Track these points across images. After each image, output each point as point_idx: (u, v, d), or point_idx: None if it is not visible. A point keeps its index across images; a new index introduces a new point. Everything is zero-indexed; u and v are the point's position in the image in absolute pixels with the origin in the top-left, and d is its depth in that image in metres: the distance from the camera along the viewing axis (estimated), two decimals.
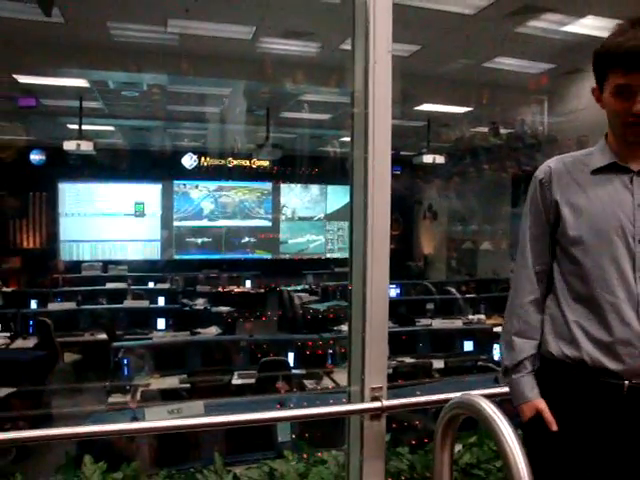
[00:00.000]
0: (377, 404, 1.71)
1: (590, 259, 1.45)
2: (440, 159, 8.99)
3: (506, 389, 1.61)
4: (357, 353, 1.76)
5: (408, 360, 5.57)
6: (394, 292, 8.42)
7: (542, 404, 1.46)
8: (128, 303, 7.79)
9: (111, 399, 4.69)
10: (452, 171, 10.54)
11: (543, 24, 5.96)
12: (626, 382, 1.40)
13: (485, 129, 8.87)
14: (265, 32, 6.36)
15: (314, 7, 5.33)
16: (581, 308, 1.47)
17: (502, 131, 8.65)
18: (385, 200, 1.67)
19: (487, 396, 1.77)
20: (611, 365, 1.40)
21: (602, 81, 1.43)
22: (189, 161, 11.92)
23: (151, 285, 9.44)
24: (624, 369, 1.40)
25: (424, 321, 6.82)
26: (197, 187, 13.13)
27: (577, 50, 6.18)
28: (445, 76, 7.68)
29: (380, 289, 1.69)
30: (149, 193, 12.87)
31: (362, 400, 1.75)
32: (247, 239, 13.44)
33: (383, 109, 1.69)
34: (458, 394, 1.34)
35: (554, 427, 1.42)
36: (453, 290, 8.22)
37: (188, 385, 4.91)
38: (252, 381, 5.03)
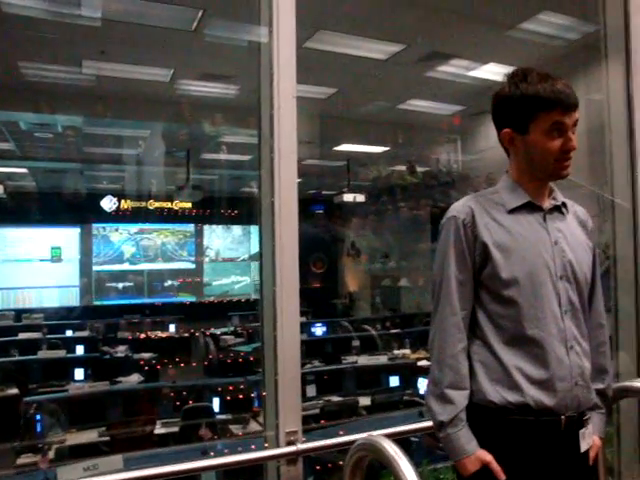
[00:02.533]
0: (292, 448, 1.68)
1: (524, 299, 1.45)
2: (360, 197, 9.20)
3: (420, 425, 1.63)
4: (271, 396, 1.73)
5: (335, 399, 5.53)
6: (320, 331, 8.42)
7: (487, 456, 1.41)
8: (43, 354, 7.36)
9: (20, 460, 4.36)
10: (372, 209, 10.80)
11: (451, 69, 6.32)
12: (562, 417, 1.45)
13: (402, 168, 9.18)
14: (183, 74, 6.38)
15: (231, 50, 5.40)
16: (517, 350, 1.45)
17: (418, 169, 8.98)
18: (293, 243, 1.68)
19: (405, 433, 1.79)
20: (550, 402, 1.43)
21: (526, 123, 1.45)
22: (108, 204, 11.59)
23: (69, 333, 8.98)
24: (560, 404, 1.44)
25: (350, 358, 6.83)
26: (117, 230, 12.75)
27: (483, 93, 6.58)
28: (362, 117, 7.95)
29: (291, 331, 1.69)
30: (66, 237, 12.37)
31: (277, 445, 1.72)
32: (170, 282, 13.12)
33: (289, 152, 1.71)
34: (364, 435, 1.33)
35: (502, 476, 1.39)
36: (369, 328, 8.30)
37: (108, 438, 4.66)
38: (176, 429, 4.85)
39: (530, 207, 1.51)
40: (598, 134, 3.11)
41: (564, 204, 1.58)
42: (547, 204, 1.53)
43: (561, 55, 5.88)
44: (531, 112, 1.44)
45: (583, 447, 1.49)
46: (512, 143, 1.50)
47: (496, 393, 1.44)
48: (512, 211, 1.50)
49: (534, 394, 1.42)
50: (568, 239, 1.54)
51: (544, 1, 4.95)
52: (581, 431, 1.48)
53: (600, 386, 1.58)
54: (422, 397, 5.63)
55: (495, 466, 1.40)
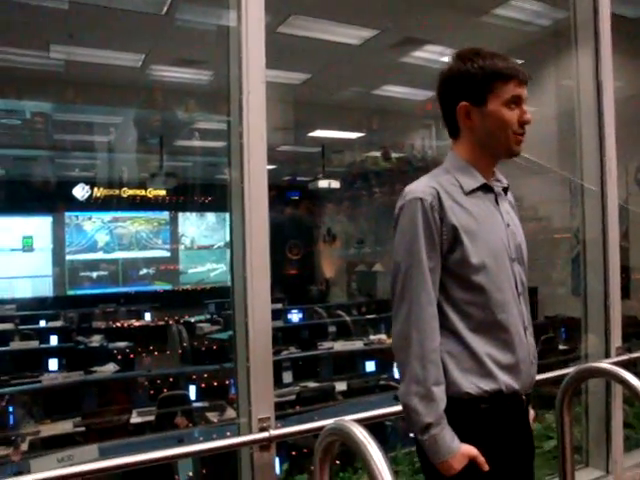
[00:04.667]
0: (265, 434, 1.69)
1: (492, 284, 1.42)
2: (335, 184, 9.22)
3: (392, 409, 1.64)
4: (243, 384, 1.73)
5: (311, 384, 5.56)
6: (296, 317, 8.44)
7: (473, 449, 1.37)
8: (15, 345, 7.25)
9: None
10: (347, 195, 10.82)
11: (425, 54, 6.32)
12: (523, 397, 1.49)
13: (377, 154, 9.20)
14: (155, 60, 6.27)
15: (203, 35, 5.33)
16: (485, 337, 1.42)
17: (393, 155, 9.00)
18: (263, 228, 1.67)
19: (377, 417, 1.80)
20: (517, 385, 1.45)
21: (484, 95, 1.44)
22: (81, 192, 11.41)
23: (42, 324, 8.85)
24: (523, 386, 1.47)
25: (326, 344, 6.86)
26: (90, 219, 12.57)
27: None
28: (336, 103, 7.92)
29: (262, 318, 1.69)
30: (38, 226, 12.16)
31: (250, 431, 1.72)
32: (145, 271, 13.00)
33: (258, 138, 1.70)
34: (332, 420, 1.34)
35: (486, 467, 1.37)
36: (343, 314, 8.34)
37: (83, 428, 4.62)
38: (152, 418, 4.83)
39: (484, 189, 1.49)
40: (568, 119, 3.16)
41: (508, 186, 1.59)
42: (496, 185, 1.53)
43: (533, 41, 5.92)
44: (489, 83, 1.44)
45: (531, 421, 1.56)
46: (468, 117, 1.47)
47: (470, 383, 1.40)
48: (469, 193, 1.46)
49: (505, 379, 1.42)
50: (514, 221, 1.56)
51: None
52: (529, 407, 1.55)
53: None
54: (398, 381, 5.69)
55: (481, 459, 1.37)
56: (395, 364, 1.43)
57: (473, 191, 1.47)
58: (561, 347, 5.70)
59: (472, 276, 1.41)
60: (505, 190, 1.57)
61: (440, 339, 1.40)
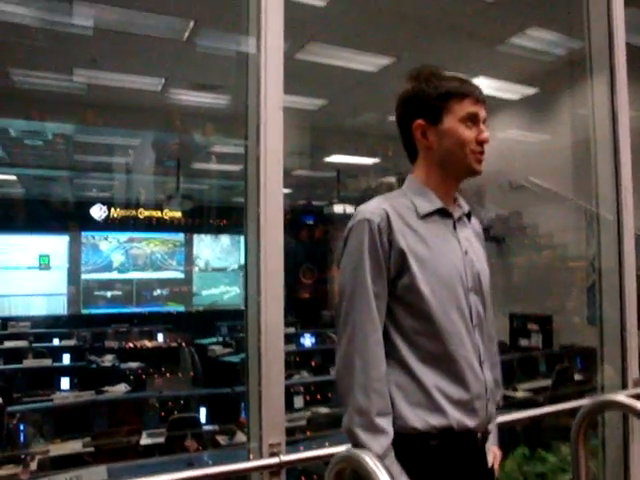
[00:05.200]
0: (275, 460, 1.67)
1: (442, 313, 1.34)
2: (350, 209, 9.22)
3: None
4: (255, 408, 1.73)
5: (322, 410, 5.52)
6: (309, 341, 8.41)
7: None
8: (28, 362, 7.30)
9: (1, 472, 4.30)
10: None
11: None
12: (478, 435, 1.39)
13: (392, 179, 9.22)
14: (175, 84, 6.40)
15: (223, 60, 5.43)
16: (435, 369, 1.34)
17: None
18: (278, 252, 1.68)
19: None
20: (471, 423, 1.35)
21: (439, 113, 1.40)
22: (98, 212, 11.57)
23: (56, 342, 8.90)
24: (479, 423, 1.38)
25: None
26: (107, 239, 12.71)
27: None
28: (352, 129, 7.99)
29: (275, 342, 1.69)
30: (55, 245, 12.30)
31: (261, 456, 1.71)
32: (159, 291, 13.06)
33: (275, 163, 1.72)
34: (344, 447, 1.33)
35: None
36: None
37: (92, 449, 4.61)
38: (161, 440, 4.81)
39: (441, 213, 1.43)
40: (584, 148, 3.15)
41: (470, 212, 1.53)
42: (455, 211, 1.47)
43: (549, 70, 5.96)
44: (444, 100, 1.40)
45: (490, 460, 1.45)
46: (424, 136, 1.43)
47: (418, 418, 1.31)
48: (424, 217, 1.40)
49: (456, 415, 1.32)
50: (475, 249, 1.49)
51: (533, 17, 5.03)
52: (487, 445, 1.44)
53: (497, 398, 1.52)
54: None
55: None
56: (338, 390, 1.34)
57: (428, 215, 1.40)
58: (577, 377, 5.61)
59: (421, 304, 1.33)
60: (468, 216, 1.52)
61: (387, 369, 1.32)
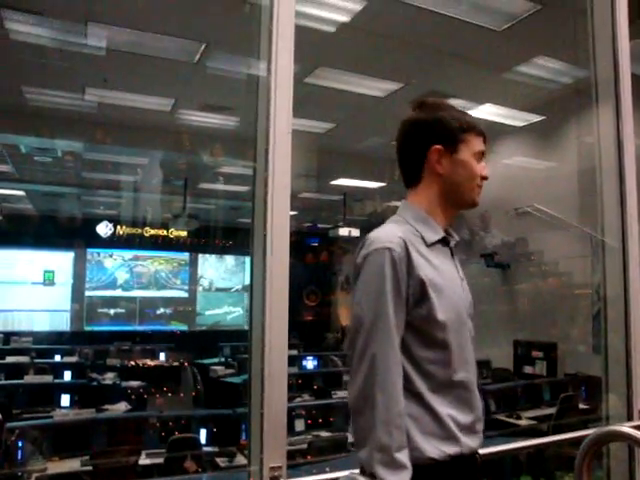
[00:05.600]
0: None
1: (455, 342, 1.36)
2: (355, 232, 9.24)
3: None
4: (256, 430, 1.72)
5: (324, 434, 5.46)
6: (311, 364, 8.35)
7: None
8: (29, 378, 7.27)
9: None
10: None
11: None
12: (477, 455, 1.42)
13: (398, 204, 9.24)
14: (184, 105, 6.47)
15: (231, 83, 5.51)
16: (446, 397, 1.34)
17: None
18: (283, 274, 1.69)
19: None
20: (475, 445, 1.39)
21: (457, 143, 1.44)
22: (104, 229, 11.62)
23: (57, 358, 8.87)
24: (479, 444, 1.41)
25: (341, 393, 6.75)
26: (111, 256, 12.74)
27: None
28: (359, 153, 8.05)
29: (279, 364, 1.68)
30: (60, 261, 12.34)
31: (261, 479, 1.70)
32: (162, 310, 13.05)
33: (282, 186, 1.74)
34: (346, 473, 1.32)
35: None
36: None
37: (90, 467, 4.57)
38: (160, 461, 4.76)
39: (443, 242, 1.45)
40: (589, 176, 3.17)
41: (458, 242, 1.55)
42: (451, 239, 1.49)
43: (555, 98, 6.00)
44: (463, 133, 1.44)
45: None
46: (439, 162, 1.44)
47: (433, 448, 1.30)
48: (430, 245, 1.40)
49: (465, 440, 1.35)
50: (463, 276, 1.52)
51: (540, 46, 5.09)
52: None
53: None
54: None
55: None
56: (351, 426, 1.29)
57: (434, 244, 1.41)
58: (581, 406, 5.55)
59: (437, 333, 1.33)
60: (456, 245, 1.54)
61: None
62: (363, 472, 1.27)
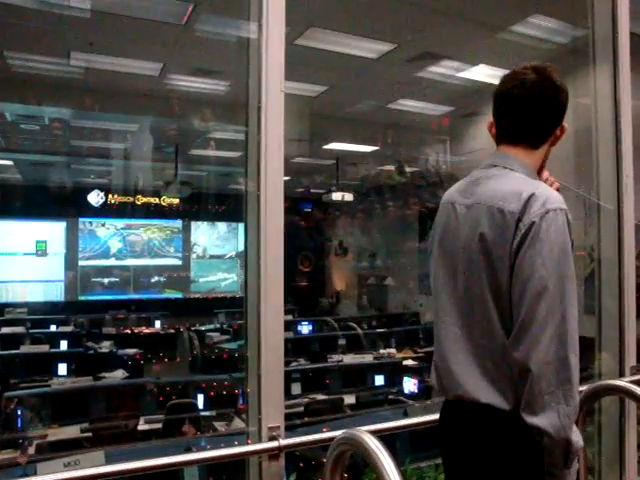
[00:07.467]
0: (274, 444, 1.68)
1: None
2: (349, 197, 9.20)
3: (403, 422, 1.62)
4: (254, 392, 1.73)
5: (320, 397, 5.54)
6: (306, 329, 8.42)
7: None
8: (25, 348, 7.29)
9: None
10: (360, 208, 10.83)
11: (441, 70, 6.33)
12: None
13: (391, 167, 9.20)
14: (173, 69, 6.34)
15: (221, 46, 5.39)
16: None
17: (407, 169, 9.00)
18: (278, 238, 1.67)
19: (388, 430, 1.78)
20: None
21: (560, 119, 1.49)
22: (95, 198, 11.53)
23: (53, 328, 8.89)
24: None
25: (336, 357, 6.83)
26: (104, 225, 12.67)
27: (472, 94, 6.61)
28: (352, 116, 7.95)
29: (275, 326, 1.68)
30: (52, 231, 12.27)
31: (260, 440, 1.71)
32: (157, 278, 13.06)
33: (276, 148, 1.71)
34: (343, 430, 1.33)
35: None
36: (355, 326, 8.32)
37: (90, 434, 4.62)
38: (159, 426, 4.82)
39: None
40: (585, 137, 3.14)
41: None
42: None
43: (550, 58, 5.91)
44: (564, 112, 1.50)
45: None
46: (559, 139, 1.51)
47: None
48: None
49: None
50: None
51: (535, 4, 4.98)
52: None
53: None
54: (406, 396, 5.65)
55: None
56: (536, 389, 1.24)
57: None
58: None
59: None
60: None
61: None
62: (542, 438, 1.23)
